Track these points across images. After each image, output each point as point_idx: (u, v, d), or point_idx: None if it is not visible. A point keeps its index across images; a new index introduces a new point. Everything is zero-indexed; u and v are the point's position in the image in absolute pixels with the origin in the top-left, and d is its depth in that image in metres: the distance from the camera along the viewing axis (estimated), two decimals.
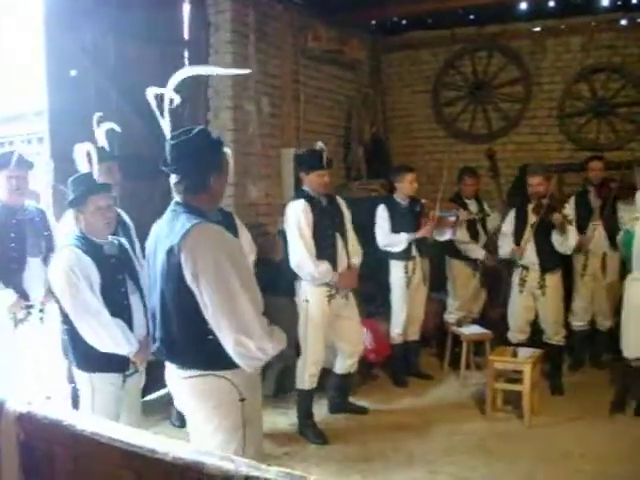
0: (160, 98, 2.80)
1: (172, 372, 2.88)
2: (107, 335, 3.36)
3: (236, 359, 2.69)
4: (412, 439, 4.98)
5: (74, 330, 3.40)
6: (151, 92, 2.81)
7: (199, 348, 2.76)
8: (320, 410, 5.41)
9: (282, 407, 5.59)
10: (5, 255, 4.27)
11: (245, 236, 5.00)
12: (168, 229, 2.76)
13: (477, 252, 6.59)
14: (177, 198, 2.85)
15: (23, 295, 4.31)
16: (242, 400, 2.79)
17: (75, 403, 3.53)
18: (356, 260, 5.28)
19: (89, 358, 3.43)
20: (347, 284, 5.12)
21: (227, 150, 3.32)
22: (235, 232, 4.75)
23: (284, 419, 5.39)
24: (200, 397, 2.82)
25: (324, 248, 5.02)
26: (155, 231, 2.90)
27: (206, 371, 2.77)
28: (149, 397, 5.31)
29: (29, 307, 4.30)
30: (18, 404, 1.66)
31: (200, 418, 2.86)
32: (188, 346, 2.78)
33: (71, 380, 3.56)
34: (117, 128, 4.05)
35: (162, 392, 5.45)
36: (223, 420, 2.79)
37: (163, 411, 5.33)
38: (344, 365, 5.38)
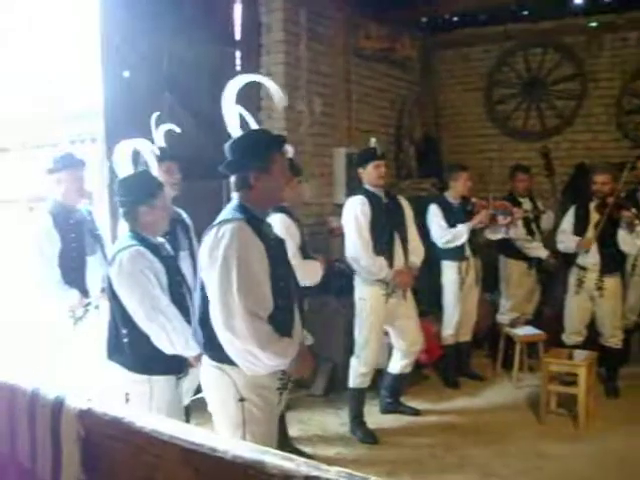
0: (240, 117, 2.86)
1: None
2: (177, 336, 3.23)
3: (232, 357, 2.75)
4: (464, 441, 4.94)
5: (135, 331, 3.24)
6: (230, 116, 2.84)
7: (207, 337, 2.82)
8: (371, 410, 5.38)
9: (333, 407, 5.60)
10: (67, 255, 4.34)
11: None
12: None
13: (539, 251, 6.45)
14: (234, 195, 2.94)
15: (85, 294, 4.39)
16: (241, 400, 2.80)
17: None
18: (416, 259, 5.19)
19: (150, 360, 3.26)
20: (403, 282, 5.01)
21: (289, 148, 3.31)
22: (298, 226, 4.63)
23: (335, 419, 5.39)
24: (209, 386, 2.93)
25: (380, 245, 4.96)
26: None
27: (213, 362, 2.86)
28: (201, 395, 5.35)
29: (87, 305, 4.39)
30: (78, 401, 1.68)
31: (212, 408, 2.98)
32: (202, 333, 2.86)
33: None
34: (177, 129, 4.09)
35: None
36: (224, 413, 2.88)
37: None
38: (399, 365, 5.33)
